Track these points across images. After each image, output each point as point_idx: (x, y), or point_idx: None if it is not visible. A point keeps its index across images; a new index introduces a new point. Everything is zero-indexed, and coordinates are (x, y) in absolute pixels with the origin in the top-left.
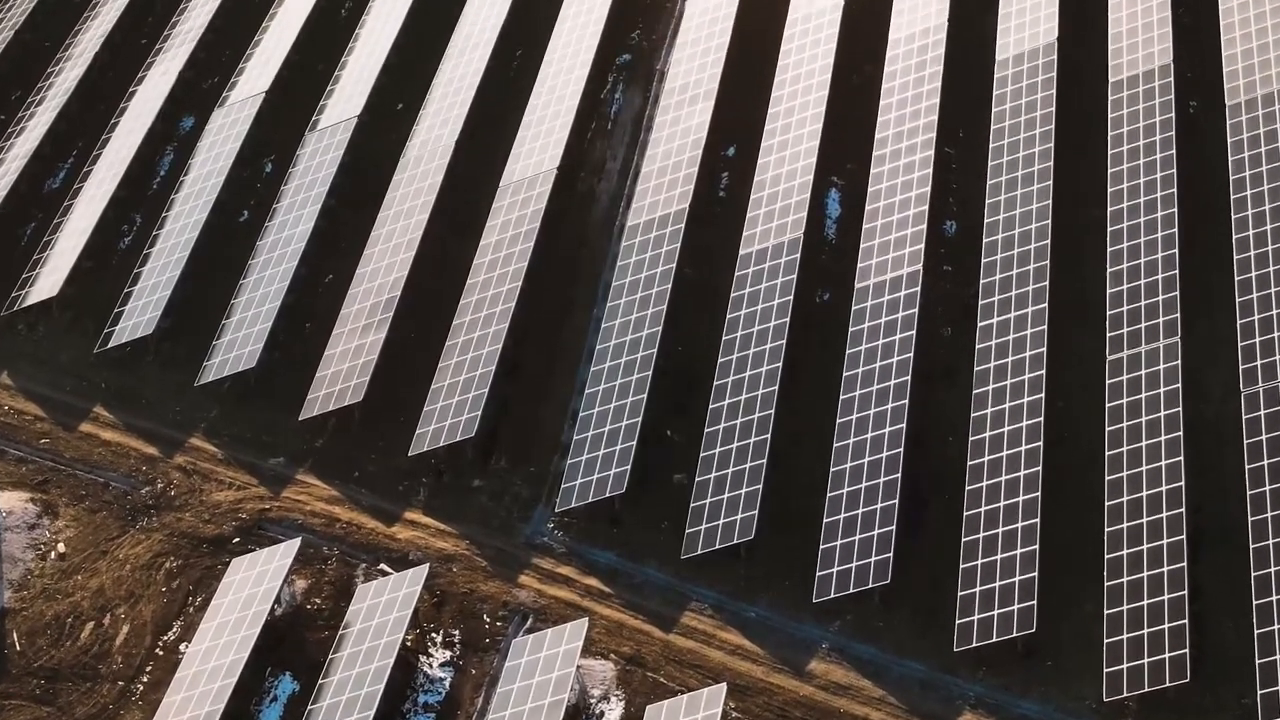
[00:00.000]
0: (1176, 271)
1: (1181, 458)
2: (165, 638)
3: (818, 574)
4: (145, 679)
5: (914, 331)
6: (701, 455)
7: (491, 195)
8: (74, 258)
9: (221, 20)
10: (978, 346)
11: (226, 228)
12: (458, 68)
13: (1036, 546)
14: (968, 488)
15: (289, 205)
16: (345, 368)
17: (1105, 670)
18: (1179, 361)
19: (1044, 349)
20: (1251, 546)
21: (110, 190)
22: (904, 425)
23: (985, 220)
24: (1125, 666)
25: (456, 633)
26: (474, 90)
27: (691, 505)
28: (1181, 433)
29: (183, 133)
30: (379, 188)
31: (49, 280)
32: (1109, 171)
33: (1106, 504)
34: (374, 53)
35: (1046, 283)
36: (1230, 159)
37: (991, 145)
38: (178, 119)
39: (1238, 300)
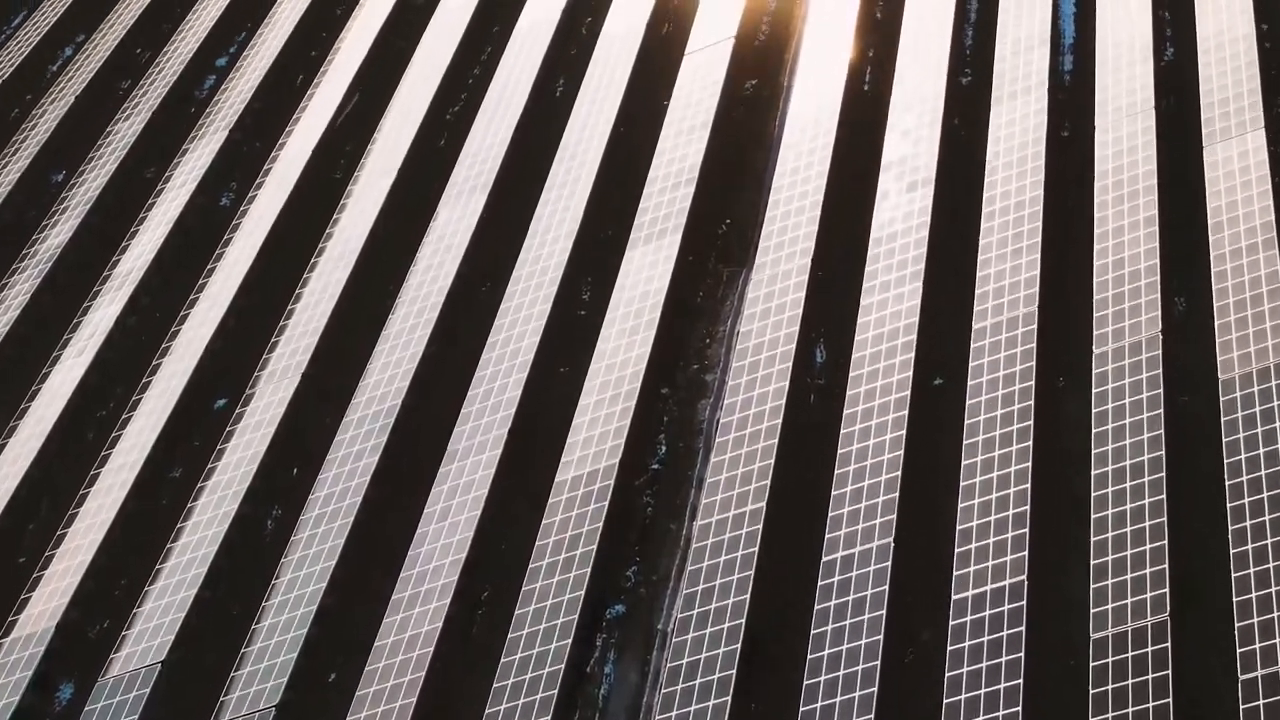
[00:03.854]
0: None
1: None
2: None
3: None
4: None
5: None
6: None
7: None
8: None
9: (118, 533)
10: None
11: None
12: (409, 622)
13: None
14: None
15: None
16: None
17: None
18: None
19: None
20: None
21: None
22: None
23: None
24: None
25: None
26: (427, 664)
27: None
28: None
29: (59, 708)
30: None
31: None
32: None
33: None
34: (305, 593)
35: None
36: None
37: None
38: (55, 685)
39: None
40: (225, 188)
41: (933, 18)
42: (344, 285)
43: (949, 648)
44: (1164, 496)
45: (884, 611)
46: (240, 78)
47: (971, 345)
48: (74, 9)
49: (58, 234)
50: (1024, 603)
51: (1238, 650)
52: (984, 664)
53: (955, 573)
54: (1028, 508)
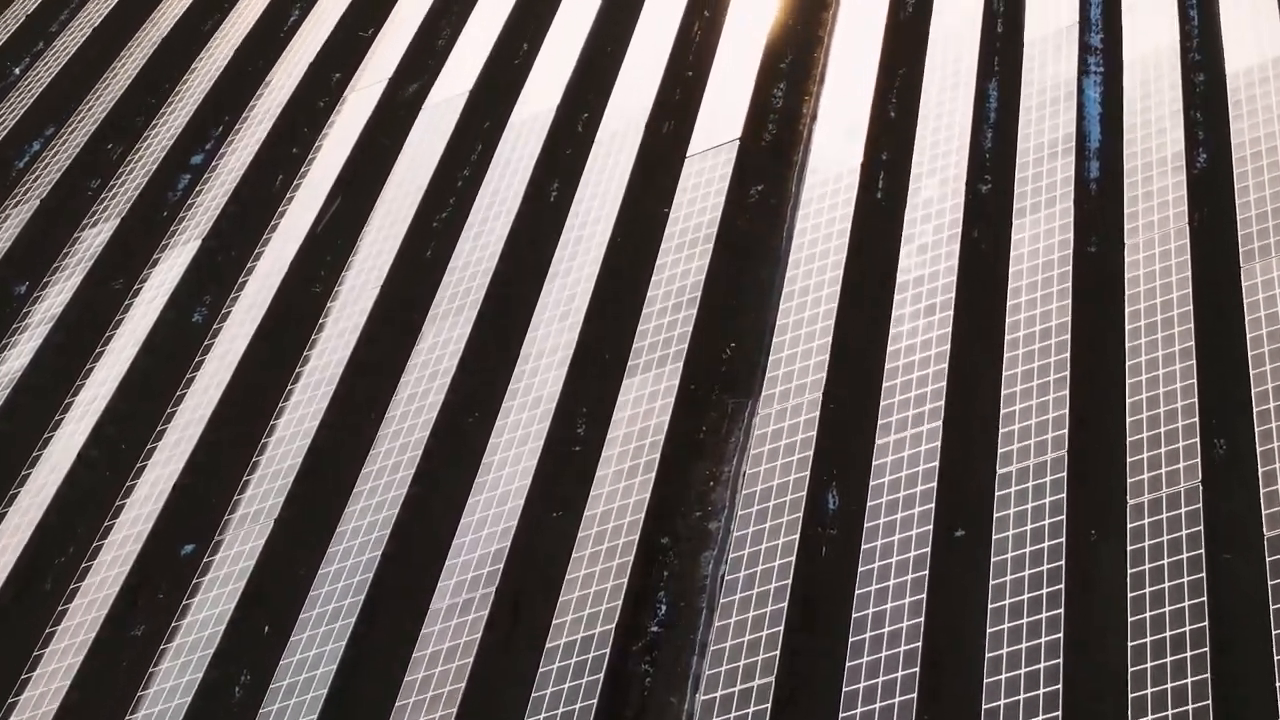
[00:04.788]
0: None
1: None
2: None
3: None
4: None
5: None
6: None
7: None
8: None
9: (75, 697)
10: None
11: None
12: None
13: None
14: None
15: None
16: None
17: None
18: None
19: None
20: None
21: None
22: None
23: None
24: None
25: None
26: None
27: None
28: None
29: None
30: None
31: None
32: None
33: None
34: None
35: None
36: None
37: None
38: None
39: None
40: (198, 302)
41: (949, 119)
42: (321, 416)
43: None
44: (1208, 674)
45: None
46: (216, 178)
47: (996, 493)
48: (43, 100)
49: (18, 355)
50: None
51: None
52: None
53: None
54: (1059, 686)
